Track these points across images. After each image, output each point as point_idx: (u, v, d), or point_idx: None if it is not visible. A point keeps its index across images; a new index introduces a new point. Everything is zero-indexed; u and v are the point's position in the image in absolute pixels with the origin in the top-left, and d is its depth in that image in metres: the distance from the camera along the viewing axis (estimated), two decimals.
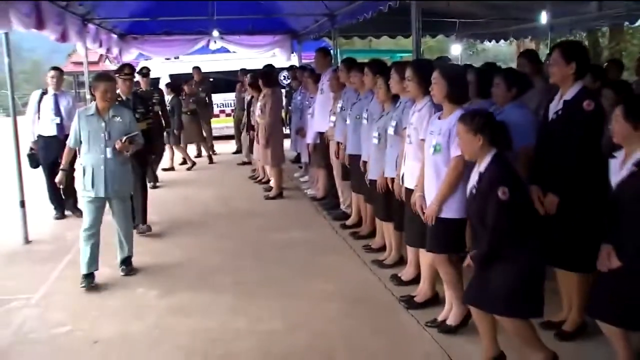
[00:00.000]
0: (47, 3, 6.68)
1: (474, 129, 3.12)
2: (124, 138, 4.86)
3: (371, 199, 5.32)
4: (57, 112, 6.97)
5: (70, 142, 4.98)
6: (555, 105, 3.71)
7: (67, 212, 7.22)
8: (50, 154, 6.84)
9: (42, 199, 7.17)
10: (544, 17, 9.04)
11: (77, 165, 5.18)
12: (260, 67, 9.32)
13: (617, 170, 3.01)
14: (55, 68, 7.31)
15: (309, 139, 7.52)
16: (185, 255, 5.67)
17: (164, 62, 14.47)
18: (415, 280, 4.48)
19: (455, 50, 12.44)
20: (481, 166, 3.14)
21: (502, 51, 29.26)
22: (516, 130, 3.42)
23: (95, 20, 9.33)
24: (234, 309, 4.33)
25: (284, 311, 4.26)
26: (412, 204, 3.99)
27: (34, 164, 6.98)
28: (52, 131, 6.90)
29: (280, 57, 13.14)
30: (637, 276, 2.89)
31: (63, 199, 7.18)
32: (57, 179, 5.25)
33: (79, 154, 5.03)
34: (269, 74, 8.25)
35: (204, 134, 11.75)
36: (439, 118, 3.76)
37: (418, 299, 4.22)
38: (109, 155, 4.84)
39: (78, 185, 4.92)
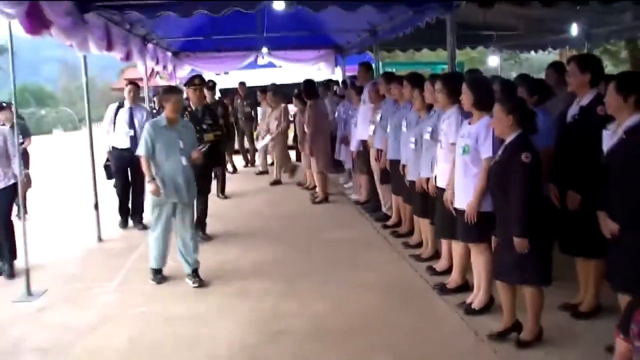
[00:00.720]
0: (115, 27, 7.45)
1: (507, 110, 3.67)
2: (202, 148, 5.36)
3: (410, 199, 5.83)
4: (132, 125, 7.21)
5: (144, 152, 5.11)
6: (573, 110, 4.17)
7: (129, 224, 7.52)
8: (122, 166, 7.21)
9: (113, 203, 7.65)
10: (574, 29, 9.38)
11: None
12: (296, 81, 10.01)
13: (609, 140, 3.46)
14: (132, 82, 7.63)
15: (353, 146, 8.06)
16: (241, 251, 6.26)
17: (214, 77, 15.25)
18: (449, 270, 4.96)
19: (493, 61, 12.78)
20: (506, 141, 3.69)
21: (547, 60, 29.14)
22: (537, 133, 3.92)
23: (154, 40, 10.13)
24: (286, 295, 4.90)
25: (330, 297, 4.80)
26: (444, 200, 4.50)
27: (110, 175, 7.36)
28: (125, 144, 7.15)
29: (324, 71, 13.78)
30: (631, 239, 3.31)
31: (128, 212, 7.46)
32: (151, 190, 5.15)
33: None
34: (310, 87, 8.84)
35: (246, 145, 12.67)
36: (469, 123, 4.25)
37: (450, 286, 4.71)
38: (184, 163, 5.17)
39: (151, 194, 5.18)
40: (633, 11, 9.16)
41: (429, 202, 5.21)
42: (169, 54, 12.07)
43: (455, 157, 4.30)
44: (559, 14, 9.20)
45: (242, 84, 12.90)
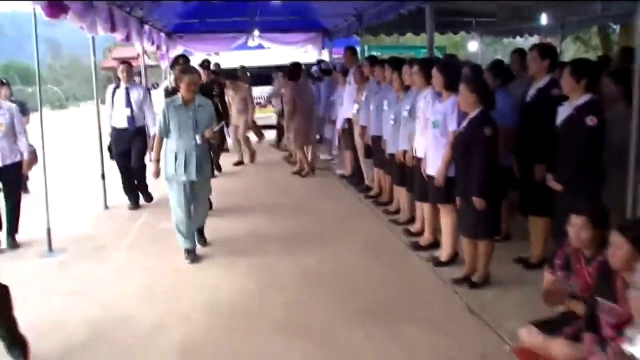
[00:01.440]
0: (117, 10, 7.99)
1: (471, 89, 4.35)
2: (215, 128, 5.39)
3: (389, 170, 6.50)
4: (128, 104, 7.26)
5: (160, 131, 5.33)
6: (531, 92, 4.86)
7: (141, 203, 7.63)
8: (121, 146, 7.31)
9: (115, 175, 7.69)
10: (544, 18, 10.08)
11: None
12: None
13: (562, 115, 4.16)
14: (124, 62, 7.60)
15: (339, 124, 8.69)
16: (238, 218, 6.89)
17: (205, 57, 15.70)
18: (422, 232, 5.65)
19: (472, 46, 13.44)
20: (470, 116, 4.36)
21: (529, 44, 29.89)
22: (497, 112, 4.60)
23: (150, 22, 10.64)
24: (279, 253, 5.57)
25: (318, 254, 5.47)
26: (422, 169, 5.19)
27: (113, 155, 7.49)
28: (123, 123, 7.28)
29: (312, 53, 14.37)
30: (568, 195, 4.03)
31: (137, 190, 7.57)
32: (152, 172, 5.44)
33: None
34: (290, 70, 9.39)
35: None
36: (440, 102, 4.92)
37: (422, 244, 5.42)
38: (198, 141, 5.27)
39: (168, 170, 5.33)
40: (601, 2, 9.86)
41: (405, 172, 5.89)
42: (163, 35, 12.56)
43: (428, 131, 4.97)
44: (533, 3, 9.88)
45: (216, 64, 13.24)
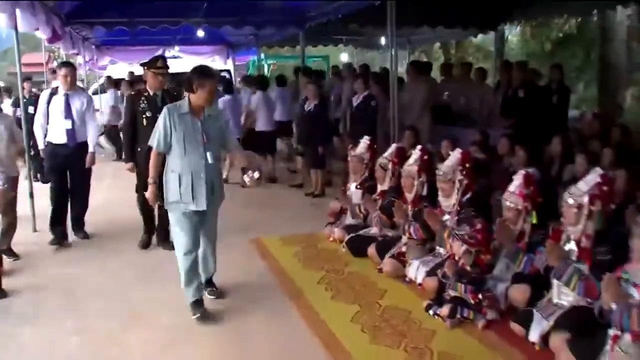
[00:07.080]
0: (74, 32, 10.89)
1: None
2: (253, 175, 4.47)
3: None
4: (68, 114, 6.04)
5: (158, 145, 4.22)
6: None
7: (72, 239, 6.28)
8: (57, 165, 6.12)
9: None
10: (382, 40, 13.87)
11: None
12: None
13: (355, 102, 7.85)
14: (65, 64, 6.38)
15: None
16: None
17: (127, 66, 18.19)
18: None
19: (343, 57, 17.31)
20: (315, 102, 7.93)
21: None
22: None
23: (89, 38, 13.43)
24: None
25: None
26: None
27: (45, 178, 6.42)
28: (61, 138, 6.05)
29: (218, 62, 17.53)
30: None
31: (64, 225, 6.23)
32: (148, 195, 4.38)
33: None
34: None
35: None
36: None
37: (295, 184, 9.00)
38: (209, 160, 4.23)
39: (170, 196, 4.25)
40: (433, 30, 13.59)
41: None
42: (94, 47, 15.05)
43: None
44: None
45: (131, 72, 14.10)
